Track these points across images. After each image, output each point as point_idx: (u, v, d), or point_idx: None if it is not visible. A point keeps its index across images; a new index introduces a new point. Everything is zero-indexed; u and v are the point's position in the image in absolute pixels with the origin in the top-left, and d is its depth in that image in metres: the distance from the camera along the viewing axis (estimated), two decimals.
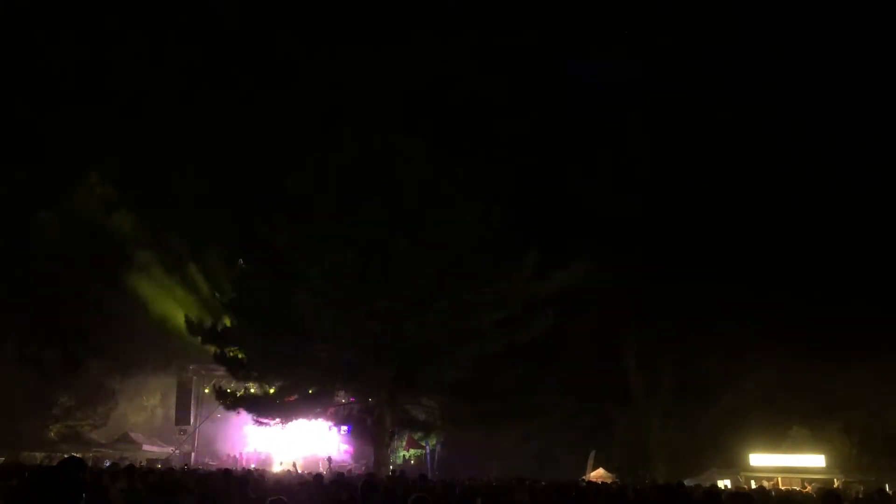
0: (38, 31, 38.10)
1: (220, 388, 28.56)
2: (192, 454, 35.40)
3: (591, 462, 36.55)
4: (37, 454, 30.90)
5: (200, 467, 27.20)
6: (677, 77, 44.29)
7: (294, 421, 26.85)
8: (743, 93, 43.81)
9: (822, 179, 39.89)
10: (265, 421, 26.24)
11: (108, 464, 28.04)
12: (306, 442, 34.23)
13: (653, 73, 44.00)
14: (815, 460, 34.20)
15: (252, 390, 29.11)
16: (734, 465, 35.27)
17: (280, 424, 26.53)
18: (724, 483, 34.22)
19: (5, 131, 36.64)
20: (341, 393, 26.97)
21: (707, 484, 24.15)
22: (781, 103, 43.00)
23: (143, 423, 40.12)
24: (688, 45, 43.29)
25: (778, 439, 35.98)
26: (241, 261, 26.01)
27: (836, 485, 30.77)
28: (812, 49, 43.17)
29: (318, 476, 13.97)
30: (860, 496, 18.48)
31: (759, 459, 34.66)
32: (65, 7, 39.39)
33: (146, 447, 35.68)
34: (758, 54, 44.32)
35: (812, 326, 34.73)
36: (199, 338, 26.94)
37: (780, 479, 33.85)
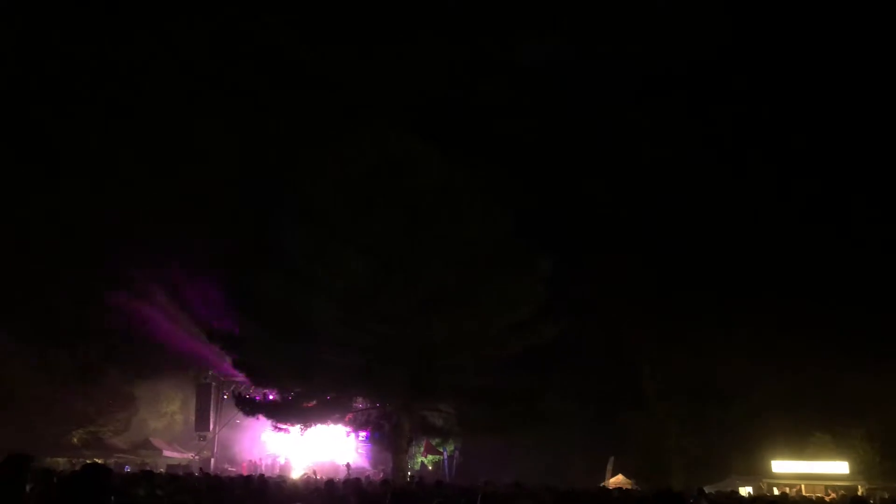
0: (51, 33, 38.56)
1: (239, 393, 28.74)
2: (212, 460, 35.61)
3: (609, 468, 36.36)
4: (59, 460, 31.26)
5: (220, 473, 27.41)
6: (690, 83, 44.09)
7: (312, 427, 26.93)
8: (751, 96, 43.47)
9: (848, 178, 39.52)
10: (284, 427, 26.36)
11: (128, 469, 28.34)
12: (325, 448, 34.33)
13: (668, 81, 43.83)
14: (838, 467, 33.76)
15: (271, 396, 29.26)
16: (755, 471, 34.91)
17: (299, 430, 26.63)
18: (745, 490, 33.84)
19: (21, 136, 37.18)
20: (359, 399, 27.02)
21: (728, 491, 23.92)
22: (791, 106, 42.63)
23: (164, 429, 40.47)
24: (703, 49, 43.06)
25: (799, 446, 35.55)
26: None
27: (860, 492, 30.35)
28: (818, 50, 42.80)
29: (330, 482, 14.02)
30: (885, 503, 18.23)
31: (782, 466, 34.28)
32: (74, 11, 39.91)
33: (167, 453, 35.99)
34: (766, 58, 44.01)
35: (832, 330, 34.33)
36: (218, 344, 27.16)
37: (803, 486, 33.46)
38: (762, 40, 43.69)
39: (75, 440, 36.59)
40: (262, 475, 18.46)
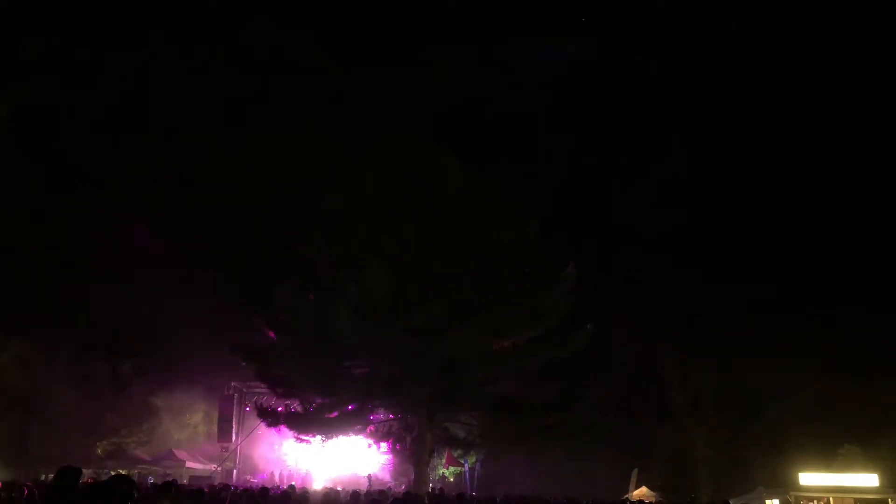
0: (81, 53, 39.05)
1: (261, 405, 28.82)
2: (234, 471, 35.71)
3: (633, 480, 35.94)
4: (84, 470, 31.48)
5: (242, 484, 27.48)
6: (713, 89, 43.76)
7: (334, 438, 26.92)
8: (782, 98, 42.95)
9: (879, 181, 38.89)
10: (306, 438, 26.37)
11: (150, 480, 28.52)
12: (346, 459, 34.29)
13: (690, 86, 43.55)
14: (868, 479, 33.06)
15: (293, 407, 29.30)
16: (783, 483, 34.32)
17: (321, 441, 26.62)
18: (772, 503, 33.32)
19: (55, 156, 37.79)
20: (381, 410, 26.98)
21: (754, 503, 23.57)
22: (828, 105, 41.92)
23: (187, 440, 40.67)
24: (724, 56, 42.76)
25: (828, 457, 34.90)
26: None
27: None
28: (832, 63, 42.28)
29: (356, 493, 13.99)
30: None
31: (810, 479, 33.62)
32: (106, 35, 40.46)
33: (189, 464, 36.13)
34: (794, 61, 43.56)
35: (861, 338, 33.74)
36: (241, 354, 27.29)
37: (831, 498, 32.86)
38: (800, 46, 43.14)
39: (99, 451, 36.92)
40: (292, 486, 18.50)
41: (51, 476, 20.87)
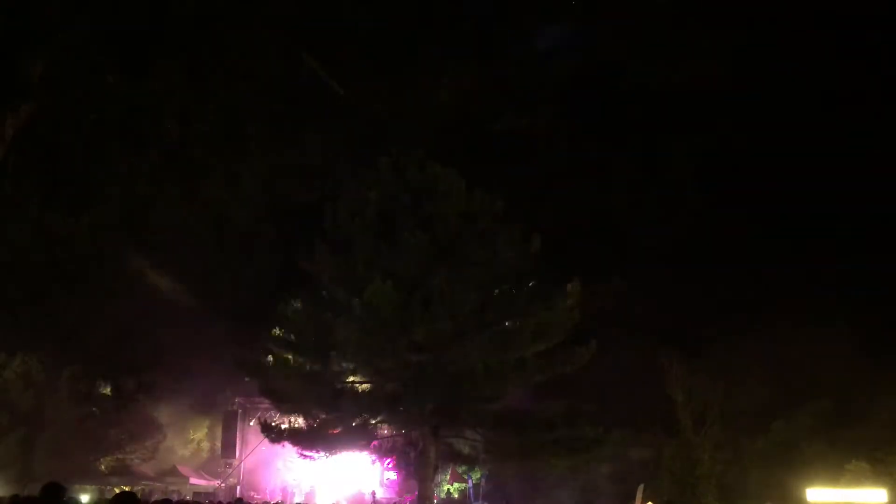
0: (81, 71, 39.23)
1: (265, 421, 28.75)
2: (238, 488, 35.60)
3: (639, 496, 35.66)
4: (88, 487, 31.47)
5: (246, 500, 27.35)
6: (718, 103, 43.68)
7: (338, 454, 26.82)
8: (787, 103, 42.62)
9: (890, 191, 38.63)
10: (309, 454, 26.27)
11: (154, 497, 28.44)
12: (351, 476, 34.15)
13: (689, 93, 43.40)
14: (877, 495, 32.75)
15: (296, 423, 29.21)
16: (790, 499, 34.03)
17: (324, 458, 26.52)
18: None
19: (58, 175, 37.91)
20: (385, 426, 26.90)
21: None
22: (836, 111, 41.66)
23: (190, 457, 40.63)
24: (725, 65, 42.66)
25: (836, 473, 34.60)
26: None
27: None
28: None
29: None
30: None
31: (818, 495, 33.30)
32: (107, 47, 40.63)
33: (193, 480, 36.09)
34: (798, 68, 43.45)
35: (869, 353, 33.56)
36: (244, 370, 27.25)
37: None
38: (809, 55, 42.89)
39: (103, 467, 36.86)
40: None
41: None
